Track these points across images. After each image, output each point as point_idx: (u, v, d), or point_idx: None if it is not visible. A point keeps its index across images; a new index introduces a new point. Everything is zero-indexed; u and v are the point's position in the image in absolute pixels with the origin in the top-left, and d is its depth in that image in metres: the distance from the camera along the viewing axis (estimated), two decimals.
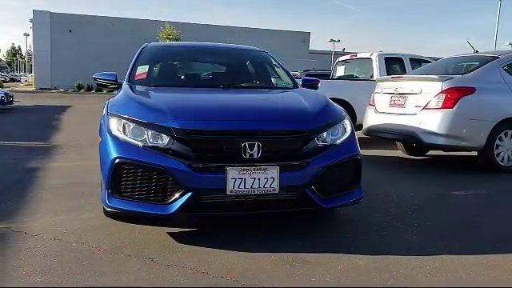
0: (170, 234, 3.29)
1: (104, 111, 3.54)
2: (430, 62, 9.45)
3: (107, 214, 3.49)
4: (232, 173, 2.95)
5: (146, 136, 3.10)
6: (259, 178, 2.98)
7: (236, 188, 2.96)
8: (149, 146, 3.05)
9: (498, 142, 5.86)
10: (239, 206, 3.08)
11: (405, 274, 2.66)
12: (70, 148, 7.46)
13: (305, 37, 41.52)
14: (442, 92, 5.77)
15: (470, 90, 5.76)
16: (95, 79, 4.43)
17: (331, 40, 50.31)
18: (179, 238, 3.21)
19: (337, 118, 3.51)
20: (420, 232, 3.46)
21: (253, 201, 3.06)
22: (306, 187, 3.11)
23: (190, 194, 2.95)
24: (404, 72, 9.05)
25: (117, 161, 3.03)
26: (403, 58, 9.23)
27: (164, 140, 3.05)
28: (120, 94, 3.76)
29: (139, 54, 4.56)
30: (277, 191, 3.02)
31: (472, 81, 5.88)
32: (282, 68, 4.77)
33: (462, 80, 5.88)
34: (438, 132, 5.74)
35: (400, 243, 3.21)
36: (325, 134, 3.29)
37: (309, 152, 3.17)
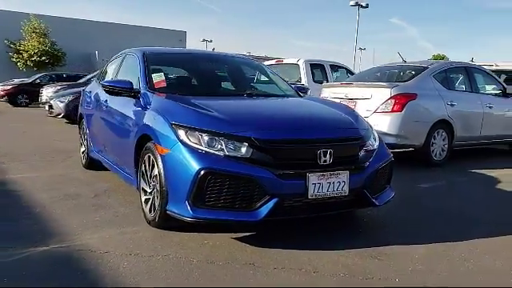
0: (236, 239, 3.42)
1: (157, 120, 3.52)
2: (344, 67, 10.44)
3: (158, 224, 3.50)
4: (312, 178, 3.21)
5: (221, 146, 3.19)
6: (333, 182, 3.29)
7: (315, 192, 3.23)
8: (230, 156, 3.16)
9: (432, 140, 6.85)
10: (315, 208, 3.34)
11: (468, 257, 3.19)
12: (4, 157, 6.79)
13: (181, 36, 41.45)
14: (391, 97, 6.57)
15: (413, 96, 6.64)
16: (105, 86, 4.27)
17: (203, 40, 50.88)
18: (250, 241, 3.35)
19: (368, 125, 3.95)
20: (433, 220, 4.07)
21: (326, 203, 3.35)
22: (363, 188, 3.50)
23: (275, 199, 3.14)
24: (325, 76, 9.87)
25: (202, 172, 3.08)
26: (324, 65, 10.05)
27: (242, 149, 3.18)
28: (167, 103, 3.75)
29: (145, 61, 4.46)
30: (347, 193, 3.35)
31: (414, 87, 6.78)
32: (279, 76, 5.06)
33: (406, 87, 6.75)
34: (389, 132, 6.52)
35: (429, 231, 3.75)
36: (369, 140, 3.70)
37: (364, 157, 3.55)
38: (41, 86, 19.64)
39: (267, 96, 4.54)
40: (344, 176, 3.33)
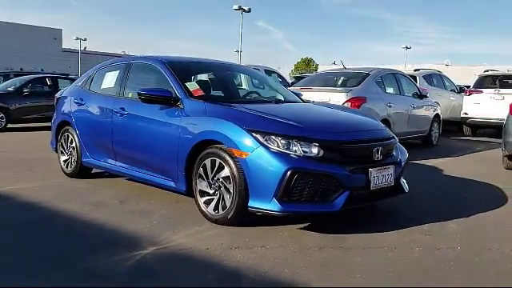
0: (302, 229, 3.88)
1: (228, 126, 3.82)
2: (276, 72, 11.21)
3: (230, 221, 3.81)
4: (373, 172, 3.83)
5: (296, 148, 3.65)
6: (384, 175, 3.94)
7: (375, 184, 3.85)
8: (306, 156, 3.63)
9: None
10: (373, 197, 3.97)
11: (489, 227, 4.08)
12: None
13: (56, 34, 38.87)
14: (348, 101, 7.45)
15: (364, 99, 7.61)
16: (142, 95, 4.37)
17: (77, 38, 48.13)
18: (315, 230, 3.83)
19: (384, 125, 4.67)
20: (430, 201, 4.94)
21: (380, 192, 3.98)
22: (398, 179, 4.20)
23: (347, 192, 3.69)
24: None
25: (289, 171, 3.52)
26: (260, 69, 10.71)
27: (314, 150, 3.67)
28: (230, 110, 4.07)
29: (171, 70, 4.65)
30: (392, 183, 4.03)
31: (363, 92, 7.75)
32: (280, 84, 5.57)
33: (358, 91, 7.70)
34: None
35: (438, 210, 4.56)
36: (395, 139, 4.41)
37: (396, 153, 4.26)
38: None
39: (289, 102, 5.03)
40: (391, 169, 4.00)
